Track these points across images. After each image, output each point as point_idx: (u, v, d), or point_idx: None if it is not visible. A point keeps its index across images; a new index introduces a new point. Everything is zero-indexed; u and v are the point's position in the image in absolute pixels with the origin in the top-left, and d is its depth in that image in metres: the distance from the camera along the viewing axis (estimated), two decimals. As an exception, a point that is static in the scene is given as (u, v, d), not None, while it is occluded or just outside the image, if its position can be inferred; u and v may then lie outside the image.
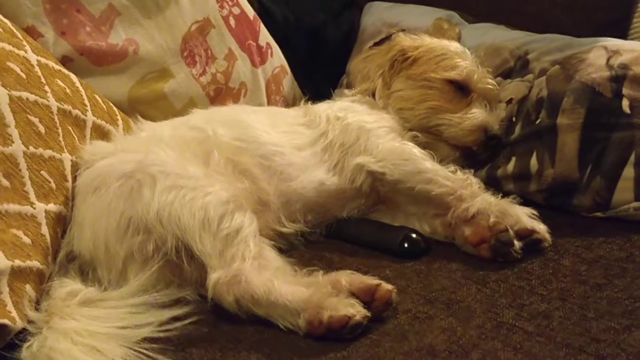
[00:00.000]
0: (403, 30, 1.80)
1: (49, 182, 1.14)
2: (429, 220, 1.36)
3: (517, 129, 1.53)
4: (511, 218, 1.25)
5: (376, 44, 1.84)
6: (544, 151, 1.45)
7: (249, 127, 1.36)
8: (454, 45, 1.61)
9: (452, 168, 1.36)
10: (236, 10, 1.79)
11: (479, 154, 1.52)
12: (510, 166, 1.50)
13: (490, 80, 1.57)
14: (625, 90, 1.40)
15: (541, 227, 1.25)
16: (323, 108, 1.50)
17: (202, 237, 1.10)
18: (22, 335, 0.99)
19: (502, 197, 1.31)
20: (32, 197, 1.10)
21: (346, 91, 1.67)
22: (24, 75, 1.17)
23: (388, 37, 1.84)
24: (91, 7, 1.49)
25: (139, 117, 1.42)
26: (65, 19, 1.44)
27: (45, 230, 1.11)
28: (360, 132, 1.41)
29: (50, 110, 1.19)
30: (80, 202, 1.18)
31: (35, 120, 1.15)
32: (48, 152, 1.16)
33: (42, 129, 1.16)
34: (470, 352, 0.94)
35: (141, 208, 1.12)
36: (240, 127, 1.35)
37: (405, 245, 1.28)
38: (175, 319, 1.02)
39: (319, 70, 2.05)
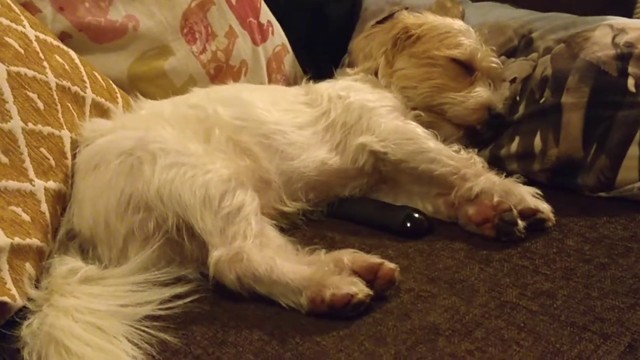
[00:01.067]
0: (406, 9, 1.78)
1: (48, 159, 1.13)
2: (432, 200, 1.35)
3: (521, 108, 1.52)
4: (515, 197, 1.24)
5: (379, 22, 1.82)
6: (548, 130, 1.44)
7: (250, 105, 1.35)
8: (458, 24, 1.59)
9: (456, 147, 1.35)
10: (237, -13, 1.77)
11: (482, 133, 1.51)
12: (514, 145, 1.49)
13: (494, 59, 1.56)
14: (630, 69, 1.39)
15: (545, 207, 1.24)
16: (325, 87, 1.48)
17: (203, 215, 1.09)
18: (23, 313, 0.98)
19: (506, 176, 1.30)
20: (31, 174, 1.09)
21: (348, 70, 1.65)
22: (22, 51, 1.15)
23: (391, 15, 1.82)
24: (90, -18, 1.47)
25: (138, 94, 1.41)
26: (64, -5, 1.43)
27: (44, 207, 1.10)
28: (363, 111, 1.40)
29: (49, 87, 1.18)
30: (79, 179, 1.17)
31: (34, 96, 1.14)
32: (47, 129, 1.14)
33: (40, 105, 1.14)
34: (474, 331, 0.94)
35: (141, 185, 1.11)
36: (241, 106, 1.34)
37: (408, 224, 1.27)
38: (177, 296, 1.01)
39: (320, 49, 2.04)
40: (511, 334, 0.93)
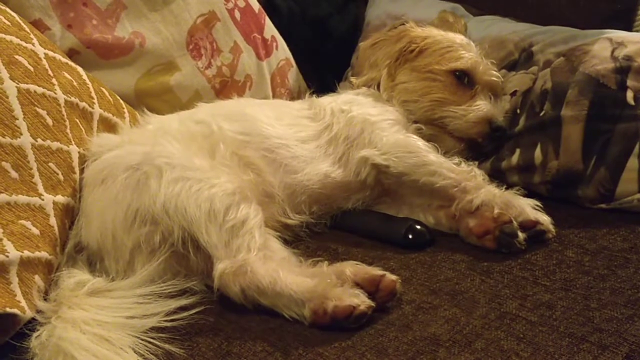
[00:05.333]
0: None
1: (57, 174, 1.16)
2: (434, 212, 1.37)
3: (522, 121, 1.53)
4: (515, 209, 1.25)
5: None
6: (548, 143, 1.46)
7: (254, 120, 1.37)
8: (460, 38, 1.62)
9: (457, 160, 1.37)
10: (241, 3, 1.80)
11: (483, 146, 1.52)
12: (515, 158, 1.51)
13: (494, 73, 1.58)
14: (629, 82, 1.40)
15: (545, 219, 1.26)
16: (328, 101, 1.50)
17: (208, 228, 1.11)
18: (32, 324, 1.00)
19: (507, 188, 1.31)
20: (41, 188, 1.11)
21: (352, 79, 1.67)
22: (31, 68, 1.18)
23: (396, 27, 1.83)
24: (98, 0, 1.50)
25: (145, 109, 1.44)
26: (72, 12, 1.46)
27: (53, 221, 1.12)
28: (365, 124, 1.42)
29: (57, 103, 1.21)
30: (87, 193, 1.20)
31: (43, 112, 1.16)
32: (56, 144, 1.17)
33: (49, 121, 1.17)
34: (474, 342, 0.95)
35: (148, 199, 1.13)
36: (245, 121, 1.36)
37: (410, 236, 1.28)
38: (182, 308, 1.03)
39: (324, 62, 2.06)
40: (510, 345, 0.94)
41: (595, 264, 1.16)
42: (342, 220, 1.40)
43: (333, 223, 1.40)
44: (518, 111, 1.55)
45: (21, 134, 1.10)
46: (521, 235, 1.22)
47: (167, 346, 0.96)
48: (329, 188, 1.37)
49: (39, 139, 1.13)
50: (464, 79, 1.53)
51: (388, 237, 1.31)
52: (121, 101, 1.46)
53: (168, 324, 1.00)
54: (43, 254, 1.08)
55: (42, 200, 1.11)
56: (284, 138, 1.37)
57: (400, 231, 1.29)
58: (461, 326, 0.99)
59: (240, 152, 1.30)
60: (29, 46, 1.22)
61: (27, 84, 1.15)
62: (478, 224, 1.25)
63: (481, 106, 1.50)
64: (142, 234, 1.13)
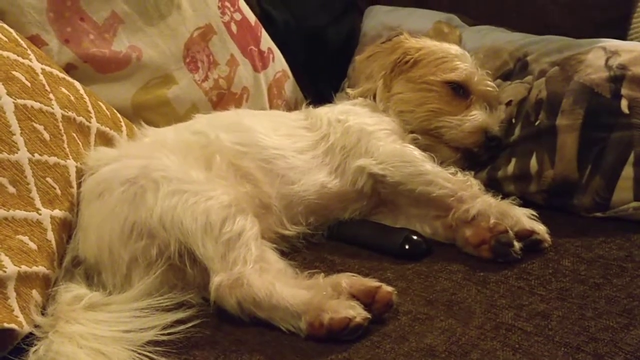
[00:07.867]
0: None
1: (54, 189, 1.16)
2: (430, 222, 1.37)
3: (517, 131, 1.54)
4: (511, 219, 1.26)
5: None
6: (543, 152, 1.46)
7: (251, 131, 1.38)
8: (454, 48, 1.62)
9: (452, 170, 1.37)
10: (237, 16, 1.81)
11: (479, 156, 1.53)
12: (511, 167, 1.51)
13: (489, 82, 1.58)
14: (624, 91, 1.41)
15: (541, 228, 1.26)
16: (324, 111, 1.51)
17: (205, 241, 1.11)
18: (29, 339, 1.01)
19: (503, 198, 1.32)
20: (38, 203, 1.12)
21: (349, 90, 1.68)
22: (28, 84, 1.19)
23: (391, 39, 1.84)
24: (94, 15, 1.51)
25: (142, 122, 1.44)
26: (69, 27, 1.47)
27: (50, 235, 1.13)
28: (361, 134, 1.42)
29: (54, 118, 1.21)
30: (85, 207, 1.20)
31: (40, 127, 1.17)
32: (53, 159, 1.18)
33: (47, 136, 1.18)
34: (470, 353, 0.95)
35: (144, 213, 1.14)
36: (242, 131, 1.37)
37: (406, 246, 1.29)
38: (179, 322, 1.04)
39: (320, 73, 2.06)
40: (506, 355, 0.94)
41: (591, 273, 1.16)
42: (339, 230, 1.40)
43: (330, 233, 1.40)
44: (513, 121, 1.56)
45: (18, 150, 1.11)
46: (517, 244, 1.22)
47: (163, 360, 0.96)
48: (326, 198, 1.38)
49: (36, 154, 1.14)
50: (459, 90, 1.54)
51: (385, 248, 1.31)
52: (118, 115, 1.47)
53: (165, 338, 1.00)
54: (40, 269, 1.08)
55: (40, 215, 1.11)
56: (281, 149, 1.38)
57: (396, 241, 1.30)
58: (457, 337, 1.00)
59: (237, 162, 1.31)
60: (26, 62, 1.23)
61: (24, 99, 1.16)
62: (474, 234, 1.26)
63: (476, 116, 1.51)
64: (139, 248, 1.13)
